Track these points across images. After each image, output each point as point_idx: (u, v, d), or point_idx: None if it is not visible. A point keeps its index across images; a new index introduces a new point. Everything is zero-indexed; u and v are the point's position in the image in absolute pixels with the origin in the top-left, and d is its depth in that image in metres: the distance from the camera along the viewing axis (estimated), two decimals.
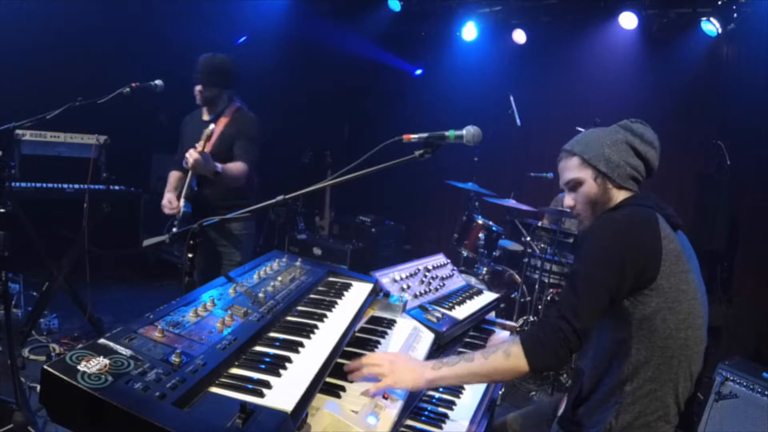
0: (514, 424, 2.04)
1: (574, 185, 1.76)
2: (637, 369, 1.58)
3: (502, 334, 2.41)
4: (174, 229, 3.28)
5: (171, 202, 3.27)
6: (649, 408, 1.58)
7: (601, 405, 1.64)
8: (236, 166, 3.15)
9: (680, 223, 1.70)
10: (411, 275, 2.41)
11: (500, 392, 2.56)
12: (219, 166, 3.06)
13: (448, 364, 1.61)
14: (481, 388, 1.98)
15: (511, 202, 4.92)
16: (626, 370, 1.58)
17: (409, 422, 1.70)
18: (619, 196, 1.72)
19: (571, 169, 1.75)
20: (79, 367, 1.08)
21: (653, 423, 1.59)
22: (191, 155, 2.94)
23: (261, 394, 1.23)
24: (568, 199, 1.79)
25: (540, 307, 4.48)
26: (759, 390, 3.15)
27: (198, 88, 3.25)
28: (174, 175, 3.46)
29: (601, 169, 1.70)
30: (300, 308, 1.80)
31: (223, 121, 3.29)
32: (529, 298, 4.67)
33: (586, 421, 1.67)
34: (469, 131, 1.74)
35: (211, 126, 2.99)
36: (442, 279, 2.59)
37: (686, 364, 1.61)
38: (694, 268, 1.66)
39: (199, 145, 2.94)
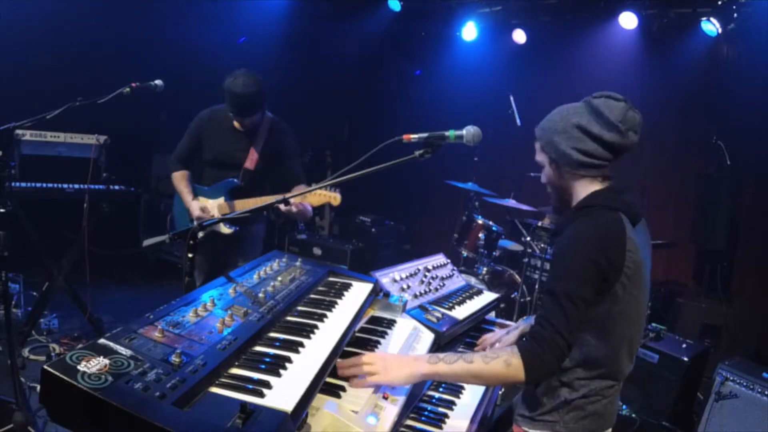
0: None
1: (541, 166, 1.79)
2: (589, 359, 1.62)
3: (493, 335, 2.37)
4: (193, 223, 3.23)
5: (204, 209, 3.17)
6: (591, 393, 1.65)
7: (554, 383, 1.69)
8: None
9: (641, 216, 1.69)
10: (411, 275, 2.41)
11: (500, 392, 2.55)
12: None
13: (446, 360, 1.62)
14: (480, 388, 1.98)
15: (511, 202, 4.92)
16: (577, 357, 1.62)
17: (409, 422, 1.70)
18: (579, 186, 1.69)
19: (537, 151, 1.78)
20: (79, 367, 1.08)
21: (596, 401, 1.66)
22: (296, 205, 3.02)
23: (261, 394, 1.23)
24: (542, 176, 1.82)
25: None
26: (759, 390, 3.15)
27: (247, 121, 3.07)
28: (183, 175, 3.29)
29: (552, 157, 1.70)
30: (300, 308, 1.81)
31: (262, 135, 3.20)
32: (529, 298, 4.66)
33: (542, 398, 1.72)
34: (469, 131, 1.75)
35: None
36: (442, 279, 2.59)
37: (628, 357, 1.68)
38: (646, 267, 1.67)
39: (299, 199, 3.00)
